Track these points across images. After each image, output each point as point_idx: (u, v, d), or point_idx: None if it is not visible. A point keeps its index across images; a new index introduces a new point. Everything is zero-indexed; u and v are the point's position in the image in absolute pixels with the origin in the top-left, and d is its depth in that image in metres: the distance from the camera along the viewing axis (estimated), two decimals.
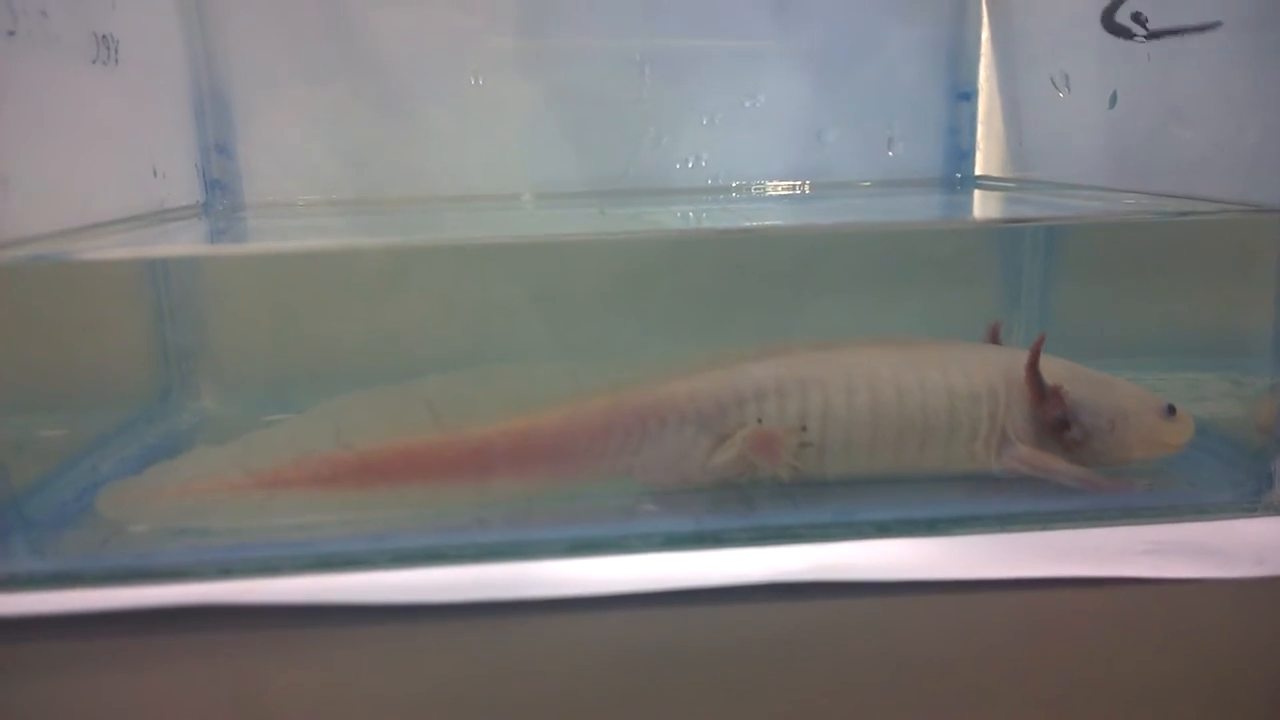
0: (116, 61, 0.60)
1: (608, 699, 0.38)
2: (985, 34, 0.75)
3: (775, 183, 0.75)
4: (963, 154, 0.77)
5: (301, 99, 0.71)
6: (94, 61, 0.58)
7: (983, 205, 0.72)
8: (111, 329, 0.67)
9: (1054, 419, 0.53)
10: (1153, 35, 0.52)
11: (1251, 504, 0.52)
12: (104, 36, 0.59)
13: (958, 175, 0.77)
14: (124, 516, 0.49)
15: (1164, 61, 0.57)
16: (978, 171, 0.77)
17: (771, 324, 0.67)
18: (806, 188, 0.75)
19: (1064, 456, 0.54)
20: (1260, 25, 0.52)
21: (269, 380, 0.71)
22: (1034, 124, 0.73)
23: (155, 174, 0.66)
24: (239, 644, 0.41)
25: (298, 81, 0.71)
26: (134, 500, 0.49)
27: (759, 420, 0.52)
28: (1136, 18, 0.51)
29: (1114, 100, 0.62)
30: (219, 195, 0.71)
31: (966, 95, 0.77)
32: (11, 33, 0.50)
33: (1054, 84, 0.56)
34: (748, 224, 0.56)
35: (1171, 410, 0.55)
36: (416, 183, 0.73)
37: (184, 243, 0.59)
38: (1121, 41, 0.59)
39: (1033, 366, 0.53)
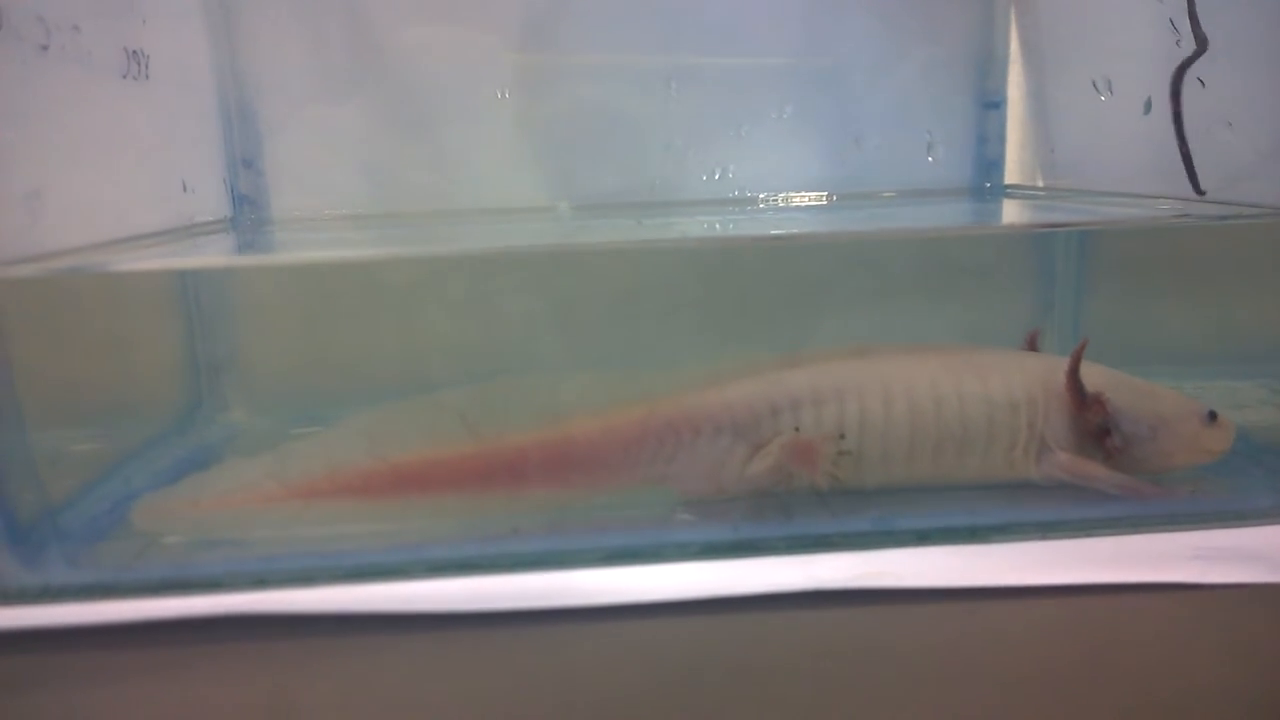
0: (147, 77, 0.61)
1: (644, 709, 0.37)
2: (1014, 42, 0.75)
3: (803, 194, 0.75)
4: (991, 163, 0.77)
5: (327, 114, 0.71)
6: (125, 76, 0.59)
7: (1014, 213, 0.71)
8: (142, 342, 0.67)
9: (1095, 426, 0.52)
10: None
11: None
12: (134, 52, 0.59)
13: (987, 185, 0.77)
14: (158, 528, 0.49)
15: (1201, 66, 0.56)
16: (1007, 181, 0.76)
17: (806, 331, 0.66)
18: (835, 198, 0.75)
19: (1105, 464, 0.53)
20: None
21: (298, 393, 0.71)
22: (1065, 132, 0.73)
23: (185, 189, 0.66)
24: (274, 654, 0.41)
25: (323, 96, 0.71)
26: (168, 512, 0.49)
27: (796, 429, 0.51)
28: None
29: (1149, 106, 0.61)
30: (246, 210, 0.72)
31: (995, 104, 0.76)
32: (45, 47, 0.50)
33: (1095, 87, 0.56)
34: (778, 231, 0.56)
35: (1213, 416, 0.54)
36: (442, 197, 0.73)
37: (214, 254, 0.59)
38: (1156, 46, 0.58)
39: (1073, 374, 0.52)
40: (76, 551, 0.49)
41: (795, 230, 0.59)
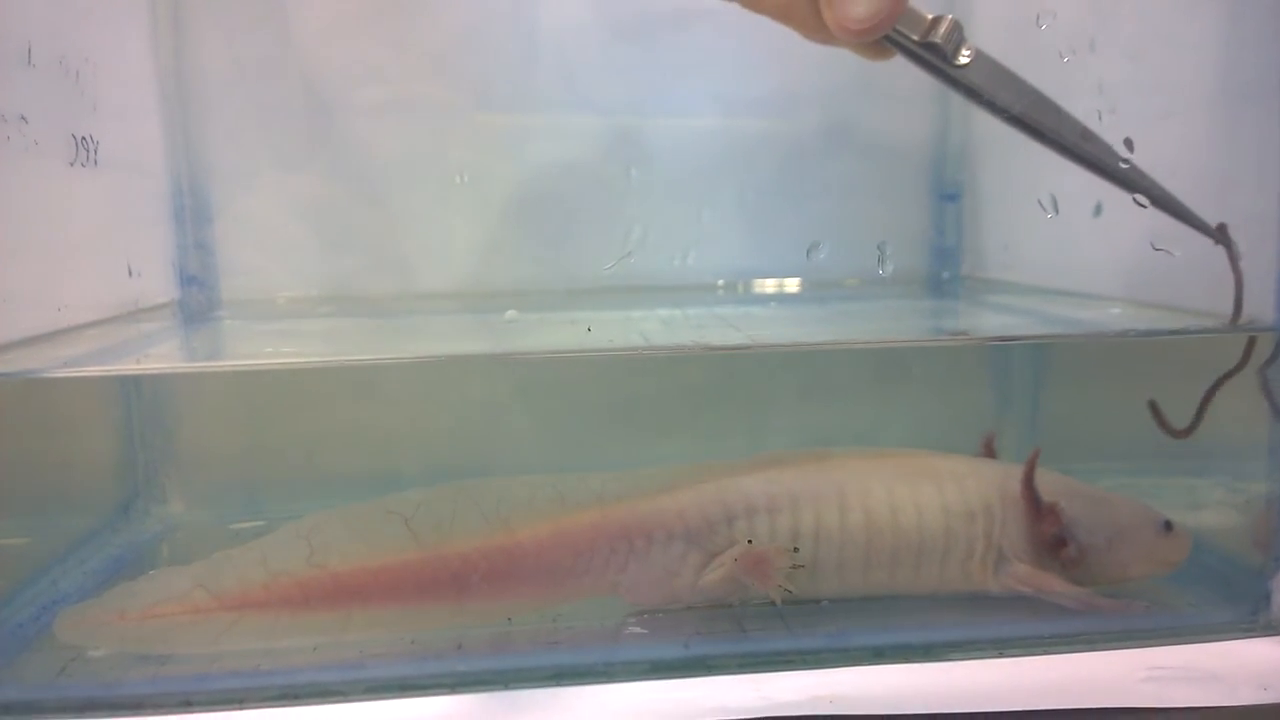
0: (96, 163, 0.59)
1: None
2: (970, 137, 0.76)
3: (763, 280, 0.75)
4: (948, 253, 0.77)
5: (280, 195, 0.70)
6: (72, 164, 0.57)
7: (970, 313, 0.72)
8: (77, 430, 0.65)
9: (1050, 536, 0.52)
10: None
11: (1250, 624, 0.51)
12: (84, 138, 0.58)
13: (944, 274, 0.77)
14: (83, 641, 0.47)
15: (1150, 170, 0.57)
16: (964, 271, 0.77)
17: (761, 432, 0.66)
18: (795, 285, 0.75)
19: (1061, 574, 0.52)
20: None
21: (239, 485, 0.69)
22: (1018, 228, 0.73)
23: (130, 273, 0.65)
24: None
25: (277, 177, 0.70)
26: (93, 624, 0.47)
27: (749, 541, 0.50)
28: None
29: (1099, 210, 0.62)
30: (195, 291, 0.70)
31: (952, 196, 0.77)
32: None
33: (1041, 206, 0.56)
34: (736, 340, 0.56)
35: (1168, 526, 0.54)
36: (396, 278, 0.72)
37: (155, 356, 0.57)
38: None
39: (1028, 482, 0.52)
40: None
41: (752, 333, 0.59)
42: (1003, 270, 0.75)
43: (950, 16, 0.45)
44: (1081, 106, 0.56)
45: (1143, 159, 0.57)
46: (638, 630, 0.50)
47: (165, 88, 0.68)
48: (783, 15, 0.43)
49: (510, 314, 0.62)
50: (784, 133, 0.74)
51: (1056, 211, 0.55)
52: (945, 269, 0.77)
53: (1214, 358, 0.61)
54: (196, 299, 0.70)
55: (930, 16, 0.45)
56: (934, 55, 0.45)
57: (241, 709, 0.43)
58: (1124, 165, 0.48)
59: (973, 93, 0.46)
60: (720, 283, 0.75)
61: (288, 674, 0.45)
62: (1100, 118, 0.51)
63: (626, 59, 0.71)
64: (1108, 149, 0.48)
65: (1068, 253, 0.67)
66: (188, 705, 0.43)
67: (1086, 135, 0.48)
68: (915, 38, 0.45)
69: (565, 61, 0.70)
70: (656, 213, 0.72)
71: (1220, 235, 0.50)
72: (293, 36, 0.69)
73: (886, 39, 0.44)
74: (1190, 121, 0.57)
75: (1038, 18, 0.54)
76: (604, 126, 0.72)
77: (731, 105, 0.73)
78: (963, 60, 0.45)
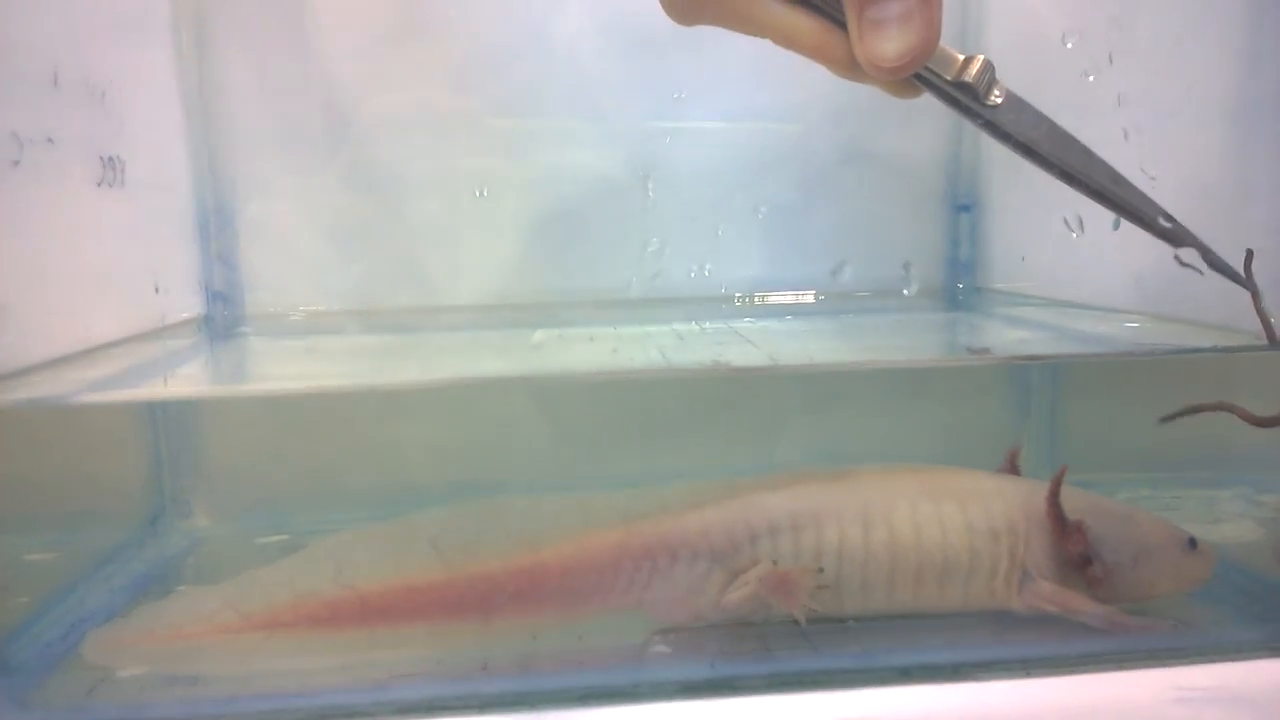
0: (123, 183, 0.60)
1: None
2: (983, 148, 0.76)
3: (779, 294, 0.75)
4: (964, 265, 0.77)
5: (304, 210, 0.71)
6: (99, 184, 0.58)
7: (988, 327, 0.72)
8: (104, 445, 0.66)
9: (1076, 555, 0.52)
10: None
11: (1277, 642, 0.51)
12: (110, 158, 0.59)
13: (959, 286, 0.77)
14: (111, 661, 0.47)
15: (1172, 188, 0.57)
16: (980, 284, 0.77)
17: (781, 447, 0.66)
18: (810, 298, 0.75)
19: (1086, 593, 0.52)
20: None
21: (265, 499, 0.69)
22: (1034, 240, 0.73)
23: (157, 290, 0.65)
24: None
25: (301, 192, 0.71)
26: (121, 645, 0.47)
27: (774, 561, 0.50)
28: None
29: (1117, 223, 0.62)
30: (221, 307, 0.71)
31: (966, 208, 0.77)
32: (16, 162, 0.50)
33: (1067, 224, 0.56)
34: (756, 359, 0.56)
35: (1193, 543, 0.53)
36: (418, 292, 0.72)
37: (181, 376, 0.58)
38: (1128, 161, 0.59)
39: (1054, 500, 0.52)
40: (25, 687, 0.46)
41: (770, 352, 0.59)
42: (1019, 282, 0.75)
43: (982, 57, 0.45)
44: (1103, 123, 0.56)
45: (1163, 171, 0.57)
46: (663, 649, 0.50)
47: (190, 105, 0.68)
48: (816, 53, 0.43)
49: (538, 336, 0.62)
50: (799, 145, 0.74)
51: (1083, 230, 0.55)
52: (961, 280, 0.77)
53: (1232, 371, 0.61)
54: (222, 314, 0.70)
55: (962, 57, 0.45)
56: (965, 95, 0.45)
57: None
58: (1166, 222, 0.48)
59: (1002, 133, 0.46)
60: (737, 295, 0.75)
61: (315, 695, 0.45)
62: (1127, 137, 0.51)
63: (644, 72, 0.71)
64: (1138, 193, 0.48)
65: (1085, 265, 0.67)
66: None
67: (1116, 179, 0.47)
68: (948, 77, 0.45)
69: (583, 75, 0.71)
70: (674, 226, 0.73)
71: (1247, 280, 0.50)
72: (314, 53, 0.69)
73: (918, 77, 0.44)
74: (1209, 133, 0.57)
75: (1063, 36, 0.54)
76: (622, 139, 0.72)
77: (747, 118, 0.74)
78: (994, 100, 0.45)
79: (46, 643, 0.50)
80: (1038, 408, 0.74)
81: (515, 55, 0.70)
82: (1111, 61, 0.59)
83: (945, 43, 0.43)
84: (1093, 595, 0.52)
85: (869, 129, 0.75)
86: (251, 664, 0.47)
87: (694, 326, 0.68)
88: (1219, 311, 0.55)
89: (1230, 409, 0.52)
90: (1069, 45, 0.54)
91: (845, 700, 0.45)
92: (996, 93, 0.45)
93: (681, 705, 0.45)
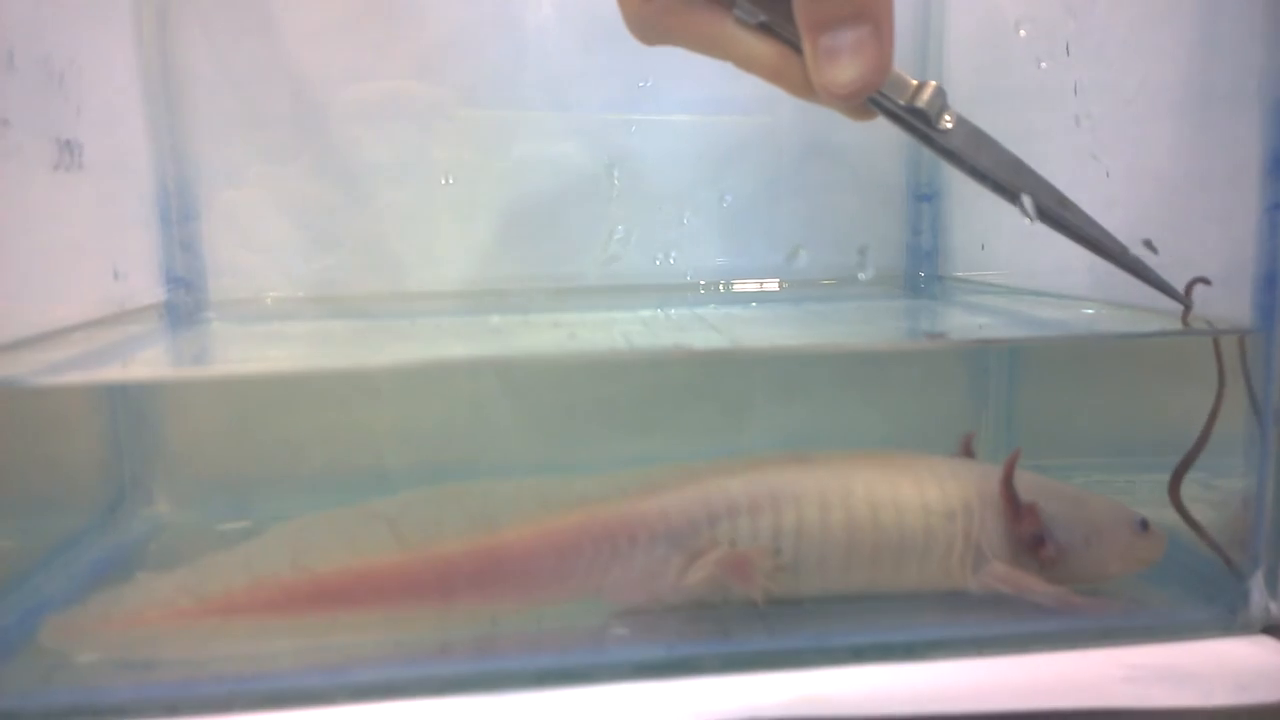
0: (80, 167, 0.59)
1: None
2: None
3: (744, 281, 0.75)
4: (925, 254, 0.78)
5: (267, 196, 0.70)
6: (56, 168, 0.57)
7: (947, 314, 0.72)
8: (64, 434, 0.65)
9: (1029, 536, 0.53)
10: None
11: (1228, 622, 0.52)
12: (67, 142, 0.58)
13: (921, 274, 0.78)
14: (68, 647, 0.47)
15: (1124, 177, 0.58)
16: (940, 271, 0.78)
17: (741, 432, 0.66)
18: (774, 285, 0.75)
19: (1039, 574, 0.53)
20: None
21: (226, 485, 0.69)
22: (993, 229, 0.74)
23: (116, 276, 0.65)
24: None
25: (263, 178, 0.70)
26: (78, 630, 0.47)
27: (732, 543, 0.51)
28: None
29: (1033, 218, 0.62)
30: (182, 292, 0.70)
31: (927, 197, 0.78)
32: None
33: (1024, 211, 0.57)
34: (717, 343, 0.56)
35: (1144, 525, 0.54)
36: (382, 278, 0.72)
37: (141, 360, 0.57)
38: (1081, 149, 0.60)
39: (1008, 483, 0.53)
40: None
41: (732, 335, 0.59)
42: (979, 270, 0.75)
43: (934, 83, 0.46)
44: (1058, 111, 0.56)
45: (1118, 161, 0.58)
46: (621, 632, 0.51)
47: (151, 89, 0.68)
48: (774, 77, 0.45)
49: (495, 319, 0.62)
50: (765, 135, 0.75)
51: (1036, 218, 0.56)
52: (922, 269, 0.78)
53: (1182, 357, 0.62)
54: (183, 300, 0.70)
55: (915, 82, 0.46)
56: (917, 119, 0.46)
57: (227, 715, 0.43)
58: (1110, 243, 0.50)
59: (952, 156, 0.47)
60: (702, 283, 0.75)
61: (273, 679, 0.45)
62: (1078, 122, 0.52)
63: (610, 61, 0.71)
64: (1084, 216, 0.49)
65: (1043, 253, 0.67)
66: (173, 711, 0.43)
67: (1063, 202, 0.49)
68: (901, 102, 0.46)
69: (550, 63, 0.71)
70: (639, 214, 0.73)
71: (1186, 299, 0.52)
72: (279, 38, 0.69)
73: (871, 101, 0.46)
74: (1162, 122, 0.57)
75: (1017, 23, 0.55)
76: (588, 128, 0.72)
77: (712, 108, 0.74)
78: (945, 125, 0.47)
79: (2, 628, 0.50)
80: (995, 393, 0.75)
81: (482, 43, 0.70)
82: (1068, 52, 0.60)
83: (905, 47, 0.44)
84: (1045, 576, 0.53)
85: (834, 121, 0.74)
86: (209, 649, 0.47)
87: (659, 313, 0.68)
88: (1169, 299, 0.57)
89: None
90: (1022, 33, 0.55)
91: (800, 680, 0.46)
92: (947, 118, 0.47)
93: (638, 686, 0.46)
